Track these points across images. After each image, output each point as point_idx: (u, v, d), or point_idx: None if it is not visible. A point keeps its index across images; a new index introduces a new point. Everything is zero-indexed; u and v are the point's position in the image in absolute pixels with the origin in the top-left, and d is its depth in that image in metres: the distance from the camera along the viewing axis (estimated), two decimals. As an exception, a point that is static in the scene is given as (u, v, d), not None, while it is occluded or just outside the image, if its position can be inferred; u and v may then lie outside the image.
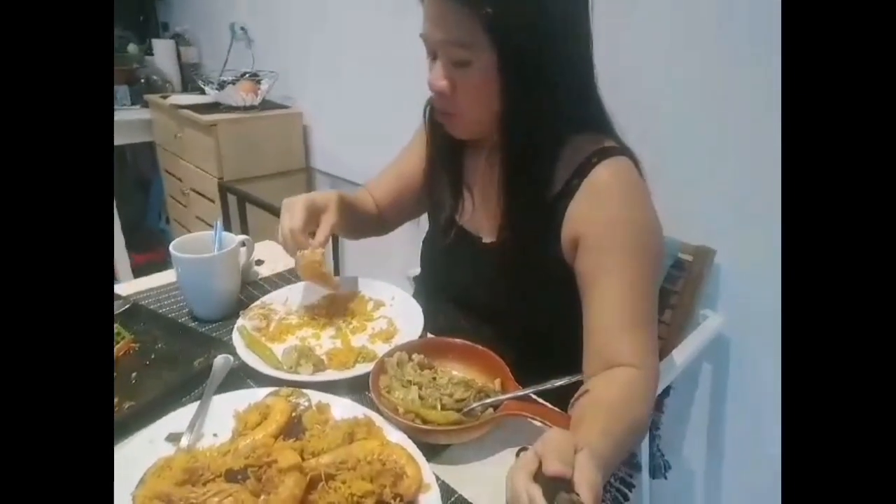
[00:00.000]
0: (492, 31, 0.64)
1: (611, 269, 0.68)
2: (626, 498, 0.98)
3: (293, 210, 0.78)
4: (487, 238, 0.81)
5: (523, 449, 0.51)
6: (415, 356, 0.71)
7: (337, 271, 1.87)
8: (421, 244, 0.99)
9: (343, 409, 0.63)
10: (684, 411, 1.26)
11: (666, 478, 1.12)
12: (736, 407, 1.19)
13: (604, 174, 0.71)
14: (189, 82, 2.68)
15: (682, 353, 1.07)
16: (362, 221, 0.96)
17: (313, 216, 0.80)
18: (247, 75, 2.22)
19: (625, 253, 0.68)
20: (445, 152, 0.85)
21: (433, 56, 0.71)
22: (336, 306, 0.87)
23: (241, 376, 0.72)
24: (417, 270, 1.31)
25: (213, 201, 2.08)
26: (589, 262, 0.70)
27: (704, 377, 1.22)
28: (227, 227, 1.53)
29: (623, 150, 0.73)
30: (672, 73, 1.10)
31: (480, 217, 0.83)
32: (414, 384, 0.67)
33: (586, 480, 0.45)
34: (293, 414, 0.61)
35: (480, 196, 0.84)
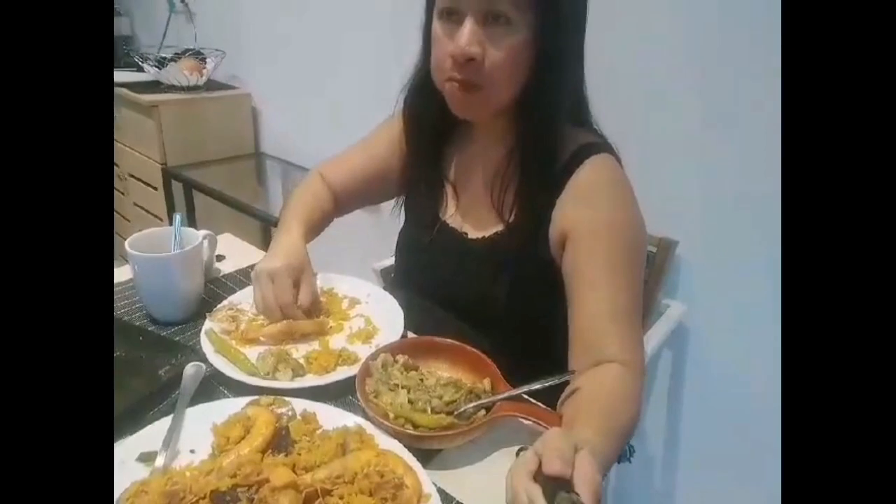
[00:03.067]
0: None
1: (598, 266, 0.68)
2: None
3: (278, 281, 0.74)
4: (473, 234, 0.80)
5: (523, 449, 0.51)
6: (399, 357, 0.69)
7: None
8: (390, 235, 0.96)
9: (330, 416, 0.60)
10: (645, 397, 1.31)
11: (630, 462, 1.16)
12: (693, 392, 1.24)
13: (591, 172, 0.71)
14: (122, 57, 2.47)
15: (647, 343, 1.10)
16: (323, 225, 0.93)
17: (296, 281, 0.77)
18: (189, 52, 2.08)
19: (611, 251, 0.68)
20: (426, 147, 0.82)
21: (458, 20, 0.65)
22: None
23: (212, 384, 0.67)
24: (384, 263, 1.28)
25: (155, 188, 1.94)
26: (576, 259, 0.70)
27: (664, 364, 1.27)
28: (171, 215, 1.43)
29: (606, 147, 0.73)
30: (638, 67, 1.12)
31: (467, 212, 0.81)
32: (402, 388, 0.65)
33: (586, 480, 0.45)
34: (278, 425, 0.58)
35: (467, 192, 0.82)
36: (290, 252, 0.78)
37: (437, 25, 0.68)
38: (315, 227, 0.88)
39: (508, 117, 0.74)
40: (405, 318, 0.79)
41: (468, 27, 0.64)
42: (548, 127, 0.71)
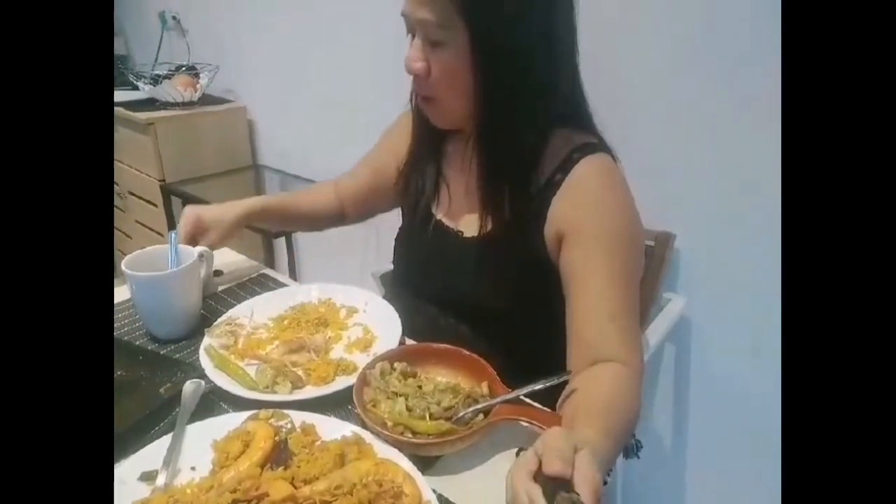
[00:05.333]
0: (465, 13, 0.64)
1: (595, 265, 0.68)
2: (604, 482, 1.00)
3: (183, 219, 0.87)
4: (468, 232, 0.80)
5: (522, 449, 0.51)
6: (397, 365, 0.69)
7: (293, 274, 1.80)
8: (388, 242, 0.96)
9: (329, 427, 0.61)
10: (650, 392, 1.30)
11: (638, 457, 1.15)
12: (698, 385, 1.24)
13: (587, 171, 0.71)
14: (118, 76, 2.49)
15: (650, 337, 1.10)
16: (305, 218, 1.01)
17: (200, 230, 0.88)
18: (183, 68, 2.09)
19: (609, 249, 0.68)
20: (427, 140, 0.83)
21: (413, 34, 0.70)
22: (306, 316, 0.83)
23: (213, 400, 0.67)
24: (383, 269, 1.28)
25: (154, 205, 1.95)
26: (573, 258, 0.70)
27: (668, 358, 1.26)
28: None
29: (603, 147, 0.73)
30: (638, 62, 1.11)
31: (460, 210, 0.82)
32: (400, 395, 0.65)
33: (586, 480, 0.45)
34: (277, 438, 0.58)
35: (460, 188, 0.82)
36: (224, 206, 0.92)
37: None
38: (282, 205, 0.98)
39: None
40: (404, 322, 0.79)
41: (415, 45, 0.69)
42: (506, 130, 0.71)
